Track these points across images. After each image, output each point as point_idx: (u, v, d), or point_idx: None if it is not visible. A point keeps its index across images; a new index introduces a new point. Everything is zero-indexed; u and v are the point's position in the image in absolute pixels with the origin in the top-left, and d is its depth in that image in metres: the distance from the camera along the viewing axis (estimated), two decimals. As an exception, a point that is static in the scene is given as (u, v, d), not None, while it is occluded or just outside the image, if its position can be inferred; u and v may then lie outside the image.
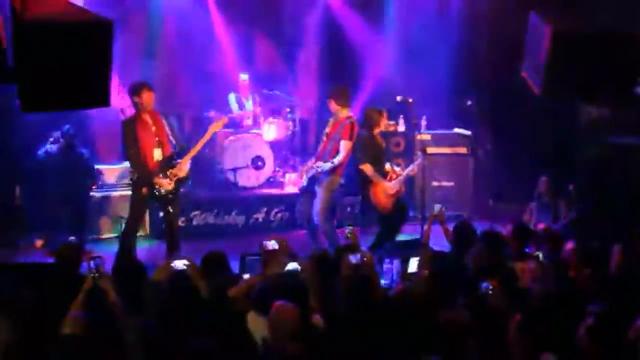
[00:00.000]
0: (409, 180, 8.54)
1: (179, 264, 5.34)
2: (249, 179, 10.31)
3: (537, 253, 6.25)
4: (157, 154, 7.36)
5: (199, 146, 7.63)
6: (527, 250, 6.80)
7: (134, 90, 7.36)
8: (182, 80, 10.86)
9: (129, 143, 7.34)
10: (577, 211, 8.05)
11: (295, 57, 11.75)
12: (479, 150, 10.85)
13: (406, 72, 10.93)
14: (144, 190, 7.31)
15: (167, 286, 5.03)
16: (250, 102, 10.82)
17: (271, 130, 10.64)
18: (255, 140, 10.42)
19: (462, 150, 10.61)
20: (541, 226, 7.96)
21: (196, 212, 9.73)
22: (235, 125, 10.67)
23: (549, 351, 4.43)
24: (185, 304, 4.83)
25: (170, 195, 7.41)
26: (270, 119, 10.73)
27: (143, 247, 8.13)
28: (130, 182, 7.63)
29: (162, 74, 10.34)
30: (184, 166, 7.45)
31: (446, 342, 4.49)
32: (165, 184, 7.34)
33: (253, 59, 11.62)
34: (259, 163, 10.30)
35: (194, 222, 9.72)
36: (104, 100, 6.02)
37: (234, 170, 10.24)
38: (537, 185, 9.14)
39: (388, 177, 8.18)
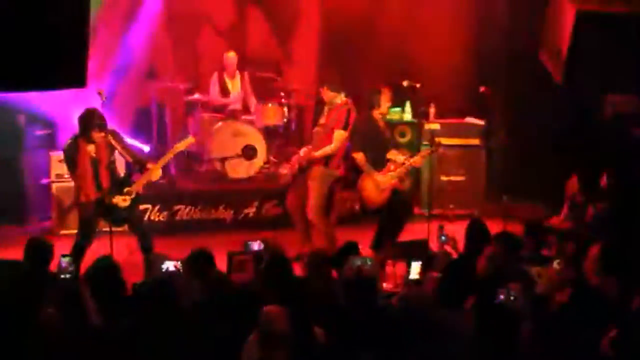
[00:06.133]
0: (415, 174, 8.43)
1: (169, 265, 5.39)
2: (239, 169, 10.25)
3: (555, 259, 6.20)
4: (98, 183, 7.43)
5: (159, 166, 7.71)
6: (544, 252, 6.78)
7: (85, 122, 7.25)
8: (166, 58, 10.80)
9: (69, 169, 7.51)
10: (602, 211, 7.99)
11: (292, 36, 11.66)
12: (493, 141, 10.78)
13: (413, 54, 10.85)
14: (97, 210, 7.47)
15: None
16: (238, 82, 10.69)
17: (264, 117, 10.54)
18: (247, 127, 10.35)
19: (475, 141, 10.58)
20: (566, 225, 7.92)
21: (180, 206, 9.72)
22: (220, 110, 10.57)
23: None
24: None
25: (124, 213, 7.55)
26: (263, 104, 10.63)
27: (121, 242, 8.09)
28: (78, 203, 7.68)
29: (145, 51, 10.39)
30: (140, 185, 7.60)
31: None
32: (120, 202, 7.48)
33: (245, 39, 11.52)
34: (251, 152, 10.24)
35: (177, 217, 9.71)
36: (80, 81, 5.97)
37: (223, 159, 10.18)
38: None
39: (386, 168, 7.98)
